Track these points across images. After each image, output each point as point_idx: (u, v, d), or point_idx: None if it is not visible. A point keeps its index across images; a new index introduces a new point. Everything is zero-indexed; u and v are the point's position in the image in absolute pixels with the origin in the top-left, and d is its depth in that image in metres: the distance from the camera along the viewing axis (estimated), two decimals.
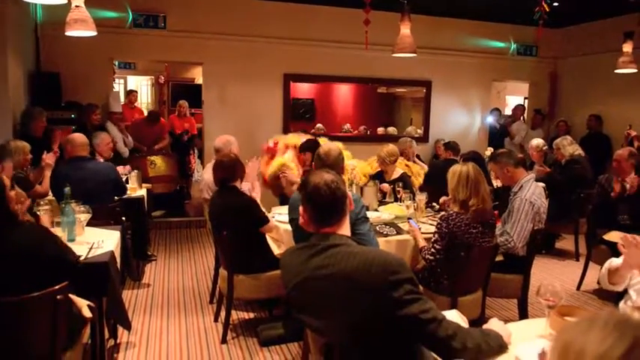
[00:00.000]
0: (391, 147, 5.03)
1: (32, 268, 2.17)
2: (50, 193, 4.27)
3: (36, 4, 6.13)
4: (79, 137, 4.33)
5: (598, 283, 4.75)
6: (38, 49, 6.53)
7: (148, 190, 5.43)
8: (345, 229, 1.82)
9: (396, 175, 4.95)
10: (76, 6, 4.32)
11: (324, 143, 3.31)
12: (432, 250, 3.17)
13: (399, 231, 3.66)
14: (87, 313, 2.43)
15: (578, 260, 5.62)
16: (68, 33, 4.38)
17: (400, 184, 4.59)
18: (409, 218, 3.84)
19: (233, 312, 3.88)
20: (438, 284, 3.21)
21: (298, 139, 5.63)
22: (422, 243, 3.37)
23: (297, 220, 2.97)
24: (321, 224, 1.79)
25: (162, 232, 6.63)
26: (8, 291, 2.09)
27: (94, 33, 4.40)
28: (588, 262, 4.72)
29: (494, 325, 1.83)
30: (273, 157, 5.44)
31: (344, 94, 10.46)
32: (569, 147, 5.83)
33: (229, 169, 3.54)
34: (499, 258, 3.46)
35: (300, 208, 1.83)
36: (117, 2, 6.70)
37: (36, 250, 2.19)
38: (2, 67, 5.34)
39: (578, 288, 4.81)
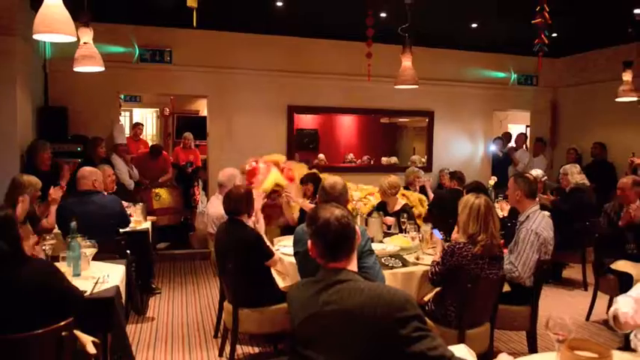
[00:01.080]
0: (393, 178, 5.04)
1: (39, 304, 2.17)
2: (56, 226, 4.28)
3: (45, 41, 6.27)
4: (85, 171, 4.36)
5: (607, 313, 4.69)
6: (47, 84, 6.66)
7: (153, 223, 5.44)
8: (354, 265, 1.82)
9: (398, 206, 4.95)
10: (85, 43, 4.43)
11: (328, 176, 3.32)
12: (433, 269, 3.23)
13: (405, 263, 3.64)
14: (91, 349, 2.42)
15: (586, 290, 5.56)
16: (76, 69, 4.47)
17: (405, 215, 4.58)
18: (433, 228, 3.86)
19: (238, 346, 3.83)
20: (445, 317, 3.17)
21: (279, 157, 5.67)
22: (438, 257, 3.35)
23: (302, 253, 3.00)
24: (329, 259, 1.78)
25: (167, 264, 6.61)
26: (14, 327, 2.09)
27: (101, 69, 4.49)
28: (597, 292, 4.67)
29: None
30: (255, 181, 5.43)
31: (347, 124, 10.54)
32: (577, 175, 5.83)
33: (238, 203, 3.55)
34: (506, 288, 3.43)
35: (309, 242, 1.83)
36: (124, 38, 6.86)
37: (43, 287, 2.19)
38: (11, 103, 5.44)
39: (588, 318, 4.74)
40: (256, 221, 3.81)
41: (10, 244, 2.16)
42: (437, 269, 3.19)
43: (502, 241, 3.56)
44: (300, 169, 5.76)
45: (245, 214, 3.58)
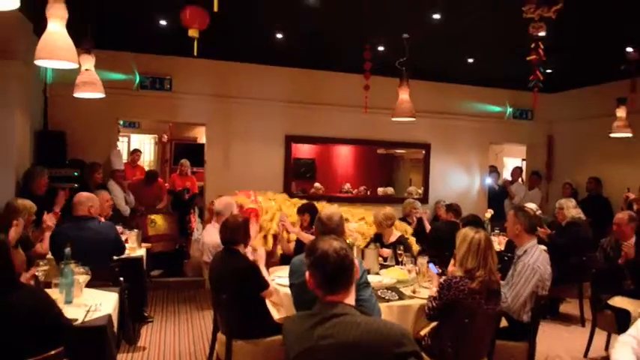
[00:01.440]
0: (388, 210, 5.05)
1: (29, 331, 2.14)
2: (49, 252, 4.23)
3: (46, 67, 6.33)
4: (81, 196, 4.34)
5: (606, 349, 4.64)
6: (46, 108, 6.69)
7: (147, 250, 5.39)
8: (351, 298, 1.81)
9: (393, 237, 4.94)
10: (86, 69, 4.48)
11: (325, 207, 3.34)
12: (430, 304, 3.18)
13: (401, 296, 3.60)
14: None
15: (583, 326, 5.50)
16: (77, 95, 4.52)
17: (401, 247, 4.56)
18: (429, 262, 3.84)
19: None
20: (442, 352, 3.12)
21: (245, 199, 5.73)
22: (434, 292, 3.32)
23: (298, 285, 2.97)
24: (327, 291, 1.77)
25: (160, 292, 6.52)
26: (3, 354, 2.04)
27: (102, 95, 4.54)
28: (594, 328, 4.62)
29: None
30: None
31: (344, 154, 10.60)
32: (572, 209, 5.85)
33: (235, 232, 3.52)
34: (503, 324, 3.40)
35: (307, 274, 1.82)
36: (125, 65, 6.94)
37: (34, 314, 2.16)
38: (9, 126, 5.45)
39: (586, 355, 4.68)
40: (253, 252, 3.77)
41: (2, 270, 2.13)
42: (434, 304, 3.15)
43: (499, 275, 3.55)
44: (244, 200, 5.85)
45: (242, 244, 3.55)
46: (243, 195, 6.04)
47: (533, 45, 4.10)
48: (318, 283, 1.79)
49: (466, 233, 3.19)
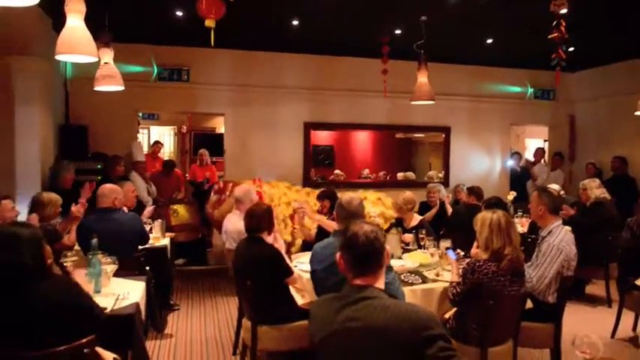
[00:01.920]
0: (407, 194, 5.04)
1: (62, 321, 2.18)
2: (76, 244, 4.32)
3: (66, 61, 6.41)
4: (105, 189, 4.41)
5: (633, 330, 4.58)
6: (67, 103, 6.79)
7: (171, 239, 5.47)
8: (381, 282, 1.81)
9: (414, 222, 4.93)
10: (105, 63, 4.53)
11: (346, 194, 3.36)
12: (454, 290, 3.17)
13: (424, 279, 3.61)
14: None
15: (610, 307, 5.43)
16: (97, 88, 4.58)
17: (423, 231, 4.55)
18: (447, 248, 3.86)
19: None
20: (467, 334, 3.12)
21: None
22: (455, 278, 3.31)
23: (319, 272, 3.00)
24: (357, 274, 1.79)
25: (185, 280, 6.62)
26: (37, 344, 2.10)
27: (121, 88, 4.59)
28: (622, 309, 4.56)
29: None
30: (221, 201, 5.75)
31: (363, 140, 10.56)
32: (596, 190, 5.75)
33: (259, 220, 3.56)
34: (529, 305, 3.38)
35: (338, 255, 1.84)
36: (143, 57, 6.99)
37: (66, 304, 2.20)
38: (33, 122, 5.55)
39: (613, 336, 4.63)
40: (275, 240, 3.80)
41: (34, 259, 2.18)
42: (458, 289, 3.14)
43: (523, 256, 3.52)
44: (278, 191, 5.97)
45: (265, 232, 3.59)
46: (250, 182, 6.06)
47: (554, 23, 4.02)
48: (347, 265, 1.81)
49: (484, 217, 3.19)
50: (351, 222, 1.92)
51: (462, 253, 4.25)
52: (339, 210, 3.24)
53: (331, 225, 4.21)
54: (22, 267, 2.15)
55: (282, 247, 3.78)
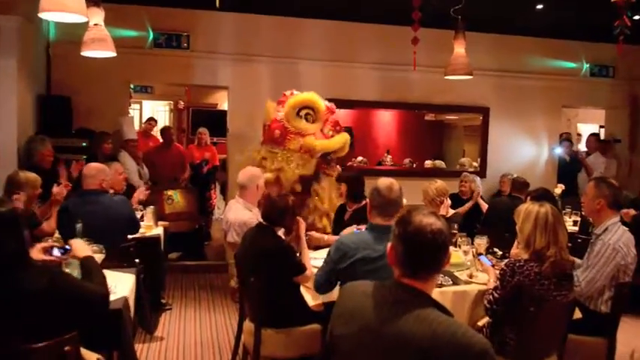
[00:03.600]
0: (440, 184, 4.99)
1: (45, 314, 2.20)
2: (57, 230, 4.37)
3: (49, 22, 6.44)
4: (92, 168, 4.44)
5: None
6: (50, 70, 6.83)
7: (165, 229, 5.51)
8: (432, 288, 1.78)
9: (447, 216, 4.89)
10: (95, 24, 4.53)
11: (383, 178, 3.26)
12: (490, 297, 3.13)
13: (456, 281, 3.59)
14: None
15: None
16: (85, 53, 4.59)
17: (455, 226, 4.52)
18: (479, 254, 3.83)
19: None
20: (503, 345, 3.10)
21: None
22: (492, 285, 3.29)
23: (331, 262, 2.98)
24: (406, 272, 1.75)
25: (179, 277, 6.68)
26: (20, 337, 2.13)
27: (113, 53, 4.60)
28: None
29: None
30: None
31: (386, 121, 10.52)
32: None
33: (282, 213, 3.59)
34: (577, 315, 3.35)
35: (389, 245, 1.80)
36: (137, 20, 7.00)
37: (49, 295, 2.21)
38: (9, 89, 5.58)
39: None
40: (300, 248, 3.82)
41: (17, 244, 2.20)
42: (496, 294, 3.10)
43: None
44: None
45: (282, 228, 3.63)
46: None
47: None
48: (398, 260, 1.76)
49: (529, 209, 3.15)
50: (417, 210, 1.81)
51: (500, 253, 4.24)
52: (376, 197, 3.08)
53: (321, 241, 4.18)
54: (5, 253, 2.17)
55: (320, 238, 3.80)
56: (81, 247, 2.85)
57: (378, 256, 2.82)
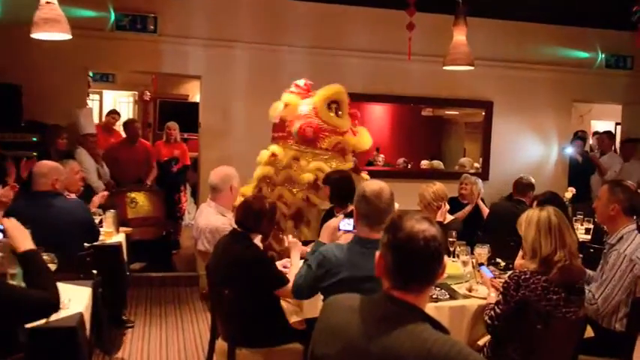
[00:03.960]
0: (438, 187, 5.02)
1: None
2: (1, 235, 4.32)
3: None
4: (44, 167, 4.41)
5: None
6: None
7: (127, 236, 5.48)
8: (424, 302, 1.78)
9: (445, 222, 4.91)
10: (47, 2, 4.49)
11: (368, 180, 3.21)
12: (492, 312, 3.15)
13: (454, 295, 3.61)
14: None
15: None
16: (35, 35, 4.54)
17: (454, 234, 4.54)
18: (480, 264, 3.86)
19: None
20: None
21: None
22: (494, 299, 3.31)
23: (313, 274, 2.97)
24: (396, 285, 1.75)
25: (143, 290, 6.65)
26: None
27: (68, 36, 4.56)
28: None
29: None
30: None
31: (377, 116, 10.53)
32: None
33: (258, 218, 3.59)
34: (588, 333, 3.37)
35: (377, 254, 1.79)
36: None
37: None
38: None
39: None
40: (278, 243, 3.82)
41: None
42: (499, 310, 3.12)
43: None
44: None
45: (258, 235, 3.62)
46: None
47: None
48: (388, 270, 1.75)
49: (529, 215, 3.21)
50: (408, 216, 1.79)
51: (503, 264, 4.27)
52: (362, 205, 2.90)
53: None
54: None
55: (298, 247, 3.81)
56: (18, 231, 2.73)
57: (365, 277, 2.63)
